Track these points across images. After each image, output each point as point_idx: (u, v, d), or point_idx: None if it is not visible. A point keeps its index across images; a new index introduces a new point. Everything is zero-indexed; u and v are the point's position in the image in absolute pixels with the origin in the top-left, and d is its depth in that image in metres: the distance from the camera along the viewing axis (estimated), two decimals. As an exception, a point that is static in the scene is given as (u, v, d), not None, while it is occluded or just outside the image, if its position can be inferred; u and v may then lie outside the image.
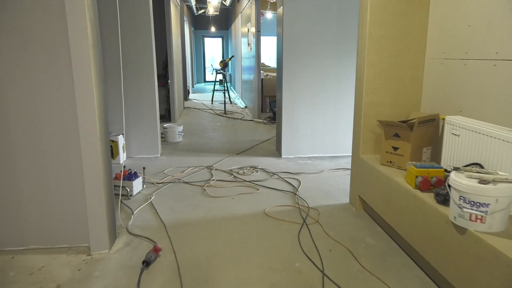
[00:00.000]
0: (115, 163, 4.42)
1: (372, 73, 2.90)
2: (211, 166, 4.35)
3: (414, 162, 2.37)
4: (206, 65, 16.77)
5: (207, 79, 16.92)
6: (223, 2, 11.10)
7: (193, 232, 2.77)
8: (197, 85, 15.77)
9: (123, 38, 4.46)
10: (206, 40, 16.84)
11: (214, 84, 10.71)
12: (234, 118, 7.74)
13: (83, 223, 2.48)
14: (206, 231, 2.79)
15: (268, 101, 8.36)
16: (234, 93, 12.48)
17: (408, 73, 2.94)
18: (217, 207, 3.21)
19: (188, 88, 10.93)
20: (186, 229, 2.81)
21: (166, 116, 7.48)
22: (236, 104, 10.02)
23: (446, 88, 2.66)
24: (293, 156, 4.78)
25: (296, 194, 3.49)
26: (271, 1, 9.30)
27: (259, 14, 7.25)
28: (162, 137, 5.65)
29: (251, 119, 7.64)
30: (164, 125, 5.68)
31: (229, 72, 15.47)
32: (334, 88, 4.68)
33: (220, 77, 10.22)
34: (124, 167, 3.64)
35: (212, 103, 10.02)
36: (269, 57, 15.28)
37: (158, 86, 7.33)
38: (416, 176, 2.25)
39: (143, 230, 2.78)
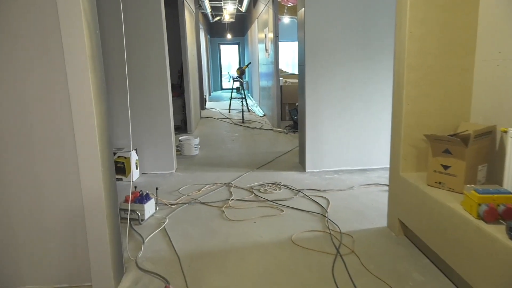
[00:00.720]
0: (128, 181, 4.13)
1: (414, 78, 2.50)
2: (229, 182, 4.01)
3: (473, 186, 1.97)
4: (223, 72, 16.55)
5: (224, 87, 16.69)
6: (238, 8, 10.84)
7: (210, 265, 2.42)
8: (214, 93, 15.55)
9: (133, 46, 4.19)
10: (222, 47, 16.64)
11: (231, 92, 10.42)
12: (252, 128, 7.41)
13: (85, 259, 2.16)
14: (225, 264, 2.44)
15: (288, 109, 8.00)
16: (251, 100, 12.18)
17: (455, 77, 2.53)
18: (237, 233, 2.86)
19: (204, 96, 10.68)
20: (202, 262, 2.46)
21: (182, 127, 7.20)
22: (254, 112, 9.70)
23: (502, 95, 2.24)
24: (318, 170, 4.39)
25: (325, 216, 3.10)
26: (289, 5, 8.97)
27: (276, 19, 6.92)
28: (177, 150, 5.36)
29: (270, 128, 7.29)
30: (180, 138, 5.38)
31: (246, 79, 15.20)
32: (360, 94, 4.29)
33: (237, 84, 9.94)
34: (135, 188, 3.34)
35: (229, 112, 9.73)
36: (286, 63, 14.96)
37: (174, 96, 7.08)
38: (479, 204, 1.85)
39: (155, 264, 2.45)
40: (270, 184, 3.93)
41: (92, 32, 1.96)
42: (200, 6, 10.02)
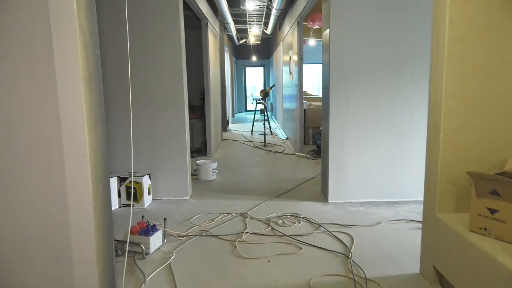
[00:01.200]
0: (139, 207, 3.92)
1: (453, 106, 2.19)
2: (245, 213, 3.73)
3: (532, 238, 1.61)
4: (247, 94, 16.49)
5: (248, 109, 16.60)
6: (264, 30, 10.79)
7: (216, 314, 2.13)
8: (238, 115, 15.46)
9: (149, 64, 4.06)
10: (248, 69, 16.65)
11: (254, 115, 10.24)
12: (274, 152, 7.14)
13: (74, 303, 1.92)
14: (232, 313, 2.14)
15: (312, 133, 7.70)
16: (275, 123, 11.95)
17: (501, 105, 2.20)
18: (249, 275, 2.56)
19: (227, 118, 10.55)
20: (207, 309, 2.18)
21: (202, 149, 7.03)
22: (277, 135, 9.45)
23: (562, 126, 1.89)
24: (341, 201, 4.04)
25: (348, 258, 2.76)
26: (315, 28, 8.81)
27: (301, 41, 6.74)
28: (194, 175, 5.15)
29: (292, 152, 6.99)
30: (197, 162, 5.18)
31: (270, 101, 15.05)
32: (389, 120, 3.96)
33: (260, 106, 9.76)
34: (142, 217, 3.12)
35: (251, 134, 9.52)
36: (312, 85, 14.74)
37: (195, 118, 6.95)
38: (541, 263, 1.49)
39: (153, 309, 2.18)
40: (288, 216, 3.62)
41: (89, 52, 1.78)
42: (225, 29, 10.02)
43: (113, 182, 3.89)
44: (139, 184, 3.90)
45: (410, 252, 2.84)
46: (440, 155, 2.25)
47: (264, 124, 8.22)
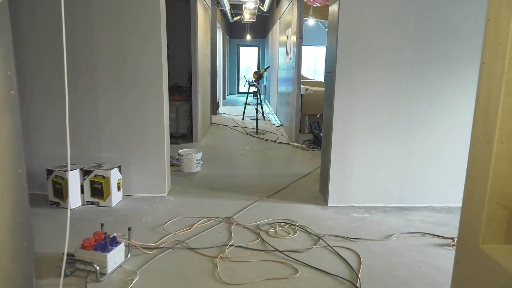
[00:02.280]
0: (106, 205, 3.32)
1: (517, 104, 1.60)
2: (231, 217, 3.15)
3: None
4: (241, 75, 15.75)
5: (241, 90, 15.89)
6: (260, 7, 10.02)
7: None
8: (229, 97, 14.76)
9: (122, 34, 3.40)
10: (242, 49, 15.86)
11: (246, 98, 9.58)
12: (266, 140, 6.54)
13: None
14: None
15: (308, 121, 7.12)
16: (268, 107, 11.32)
17: None
18: (231, 309, 2.00)
19: (218, 100, 9.88)
20: None
21: (188, 135, 6.40)
22: (270, 121, 8.84)
23: None
24: (343, 205, 3.49)
25: (356, 287, 2.21)
26: (315, 5, 8.08)
27: (301, 18, 6.05)
28: (175, 165, 4.55)
29: (287, 141, 6.41)
30: (180, 151, 4.56)
31: (264, 84, 14.37)
32: (405, 112, 3.38)
33: (253, 89, 9.11)
34: (102, 226, 2.52)
35: (243, 119, 8.89)
36: (307, 69, 14.07)
37: (181, 100, 6.30)
38: None
39: None
40: (282, 224, 3.06)
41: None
42: (218, 3, 9.25)
43: (75, 175, 3.28)
44: (105, 179, 3.29)
45: (430, 279, 2.31)
46: (491, 168, 1.67)
47: (256, 109, 7.58)
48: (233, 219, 3.12)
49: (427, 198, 3.49)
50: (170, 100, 6.50)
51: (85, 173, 3.31)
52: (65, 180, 3.21)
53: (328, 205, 3.49)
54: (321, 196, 3.74)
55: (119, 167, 3.44)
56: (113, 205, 3.34)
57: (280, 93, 8.65)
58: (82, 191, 3.34)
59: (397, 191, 3.50)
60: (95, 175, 3.29)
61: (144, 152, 3.58)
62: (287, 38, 7.14)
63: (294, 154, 5.58)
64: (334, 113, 3.37)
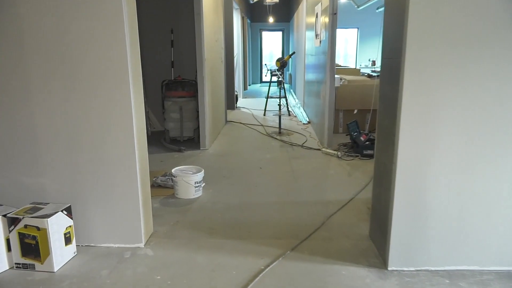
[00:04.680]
0: (44, 270, 2.18)
1: None
2: (232, 299, 1.94)
3: None
4: (263, 63, 14.42)
5: (263, 80, 14.58)
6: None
7: None
8: (251, 87, 13.48)
9: (60, 19, 2.20)
10: (264, 34, 14.49)
11: (268, 90, 8.28)
12: (292, 144, 5.26)
13: None
14: None
15: (342, 118, 5.79)
16: (294, 99, 9.97)
17: None
18: None
19: (236, 93, 8.65)
20: None
21: (196, 139, 5.22)
22: (296, 116, 7.53)
23: None
24: (413, 269, 2.20)
25: None
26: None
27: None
28: (170, 187, 3.38)
29: (317, 146, 5.10)
30: (173, 170, 3.38)
31: (289, 71, 12.99)
32: None
33: (276, 79, 7.81)
34: None
35: (264, 115, 7.63)
36: (337, 53, 12.59)
37: (185, 97, 5.12)
38: None
39: None
40: (316, 317, 1.82)
41: None
42: (234, -21, 7.94)
43: (-4, 225, 2.15)
44: (41, 232, 2.13)
45: None
46: None
47: (280, 103, 6.25)
48: (236, 304, 1.90)
49: (553, 260, 2.15)
50: (171, 96, 5.34)
51: (11, 221, 2.17)
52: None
53: (388, 268, 2.21)
54: (373, 247, 2.46)
55: (68, 208, 2.28)
56: (55, 270, 2.19)
57: (307, 82, 7.31)
58: (9, 248, 2.21)
59: (499, 248, 2.17)
60: (25, 225, 2.15)
61: (109, 180, 2.40)
62: (317, 17, 5.77)
63: (328, 165, 4.28)
64: (400, 122, 2.06)
